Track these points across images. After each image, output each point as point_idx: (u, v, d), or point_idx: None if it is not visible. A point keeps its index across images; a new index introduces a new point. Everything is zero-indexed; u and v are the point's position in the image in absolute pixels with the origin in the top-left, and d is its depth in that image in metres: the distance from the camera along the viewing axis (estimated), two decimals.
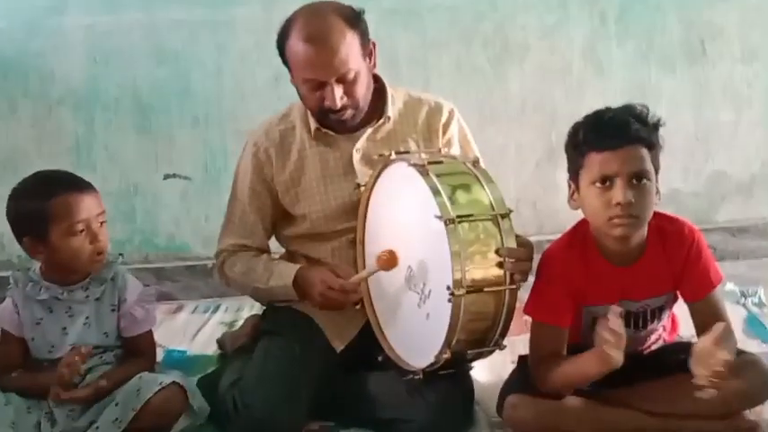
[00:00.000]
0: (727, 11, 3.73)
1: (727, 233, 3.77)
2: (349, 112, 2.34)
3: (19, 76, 3.68)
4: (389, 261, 2.20)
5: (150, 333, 2.39)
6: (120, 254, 2.44)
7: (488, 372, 2.50)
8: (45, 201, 2.20)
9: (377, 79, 2.45)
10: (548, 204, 3.61)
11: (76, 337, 2.28)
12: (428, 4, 3.66)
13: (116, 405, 2.18)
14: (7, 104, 3.70)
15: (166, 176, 3.75)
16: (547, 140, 3.69)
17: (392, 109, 2.44)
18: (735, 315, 2.75)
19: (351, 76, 2.28)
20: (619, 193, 2.01)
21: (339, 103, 2.29)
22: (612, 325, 1.93)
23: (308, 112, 2.42)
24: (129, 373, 2.25)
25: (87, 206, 2.22)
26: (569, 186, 2.16)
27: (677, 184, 3.73)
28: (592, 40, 3.71)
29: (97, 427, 2.16)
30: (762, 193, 3.85)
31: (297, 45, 2.28)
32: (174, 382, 2.21)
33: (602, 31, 3.71)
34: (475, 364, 2.33)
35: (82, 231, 2.21)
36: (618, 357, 1.95)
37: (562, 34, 3.70)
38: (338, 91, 2.28)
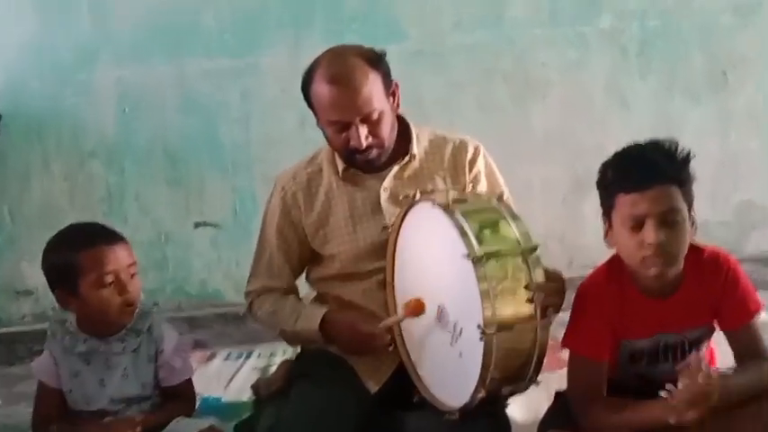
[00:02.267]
0: (747, 40, 3.74)
1: (757, 263, 3.74)
2: (375, 152, 2.36)
3: (51, 130, 3.79)
4: (416, 308, 2.21)
5: (190, 381, 2.41)
6: (156, 303, 2.46)
7: (525, 409, 2.48)
8: (74, 253, 2.22)
9: (401, 119, 2.47)
10: (576, 239, 3.62)
11: (114, 389, 2.30)
12: (450, 44, 3.71)
13: None
14: (41, 159, 3.78)
15: (197, 224, 3.80)
16: (572, 175, 3.70)
17: (418, 147, 2.46)
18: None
19: (375, 116, 2.31)
20: (651, 234, 1.99)
21: (364, 143, 2.32)
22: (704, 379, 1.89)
23: (336, 154, 2.45)
24: (169, 417, 2.27)
25: (116, 258, 2.23)
26: (604, 224, 2.14)
27: (705, 215, 3.66)
28: (614, 74, 3.74)
29: None
30: None
31: (321, 87, 2.31)
32: (211, 426, 2.22)
33: (625, 65, 3.74)
34: (511, 401, 2.32)
35: (111, 283, 2.22)
36: (692, 416, 1.90)
37: (584, 69, 3.73)
38: (363, 131, 2.31)
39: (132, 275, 2.26)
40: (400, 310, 2.25)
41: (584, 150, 3.64)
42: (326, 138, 2.41)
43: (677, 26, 3.75)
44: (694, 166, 2.10)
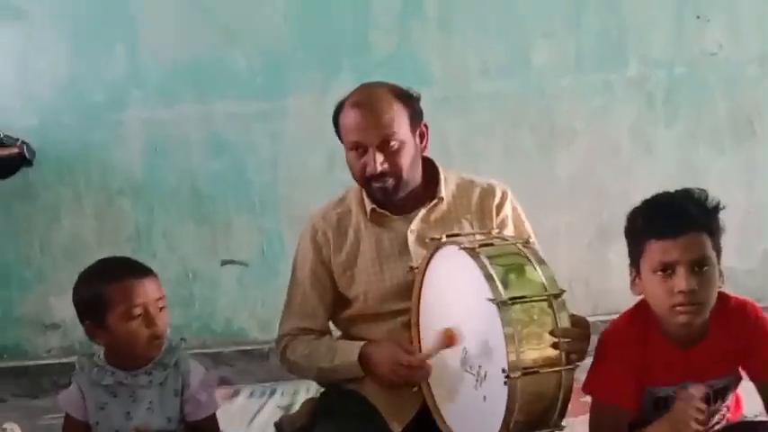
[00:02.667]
0: None
1: None
2: (390, 182, 2.38)
3: (81, 168, 3.85)
4: (451, 338, 2.21)
5: (214, 416, 2.41)
6: (183, 338, 2.47)
7: None
8: (104, 285, 2.24)
9: (430, 162, 2.51)
10: (600, 284, 3.62)
11: (140, 423, 2.31)
12: (476, 91, 3.75)
13: None
14: (72, 196, 3.84)
15: (224, 263, 3.84)
16: (597, 221, 3.71)
17: (445, 190, 2.49)
18: None
19: (394, 144, 2.35)
20: (681, 281, 1.99)
21: (378, 168, 2.35)
22: (697, 403, 1.92)
23: (363, 194, 2.48)
24: None
25: (144, 291, 2.24)
26: (631, 272, 2.14)
27: (731, 263, 3.67)
28: (639, 122, 3.76)
29: None
30: None
31: (346, 112, 2.40)
32: None
33: (650, 113, 3.76)
34: None
35: (139, 316, 2.23)
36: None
37: (609, 116, 3.75)
38: (379, 157, 2.35)
39: (161, 309, 2.28)
40: (435, 340, 2.25)
41: (609, 197, 3.65)
42: (349, 167, 2.45)
43: (703, 75, 3.77)
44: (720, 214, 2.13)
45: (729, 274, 3.67)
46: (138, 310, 2.23)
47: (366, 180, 2.41)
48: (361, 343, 2.41)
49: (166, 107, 3.81)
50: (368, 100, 2.38)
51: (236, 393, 3.58)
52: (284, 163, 3.81)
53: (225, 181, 3.82)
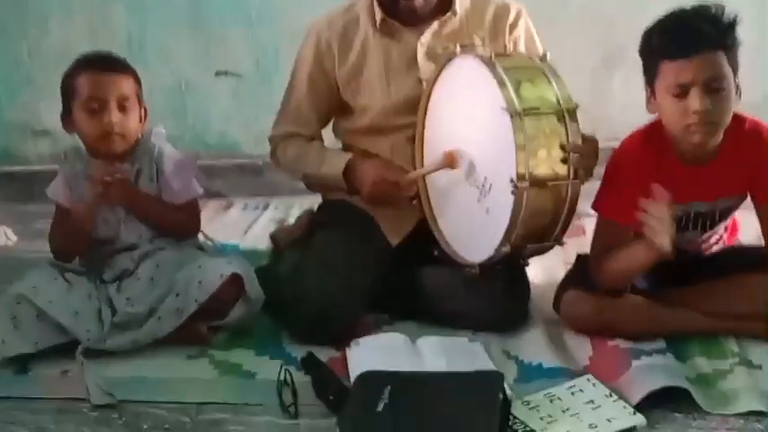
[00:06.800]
0: None
1: None
2: None
3: None
4: (448, 161, 2.20)
5: (194, 203, 2.40)
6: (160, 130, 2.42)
7: (541, 273, 2.51)
8: (73, 75, 2.28)
9: None
10: (602, 111, 3.55)
11: (125, 211, 2.31)
12: None
13: (177, 296, 2.20)
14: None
15: (218, 73, 3.75)
16: (604, 48, 3.63)
17: (460, 5, 2.40)
18: None
19: None
20: (696, 101, 1.97)
21: None
22: (659, 208, 1.93)
23: (374, 3, 2.39)
24: (163, 211, 2.34)
25: (105, 86, 2.25)
26: (646, 91, 2.12)
27: None
28: None
29: (159, 318, 2.20)
30: None
31: None
32: (234, 273, 2.22)
33: None
34: (529, 263, 2.33)
35: (93, 109, 2.24)
36: (665, 243, 1.95)
37: None
38: None
39: (125, 108, 2.26)
40: (433, 161, 2.23)
41: (617, 23, 3.54)
42: None
43: None
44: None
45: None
46: (93, 104, 2.24)
47: None
48: (349, 155, 2.39)
49: None
50: None
51: (229, 206, 3.57)
52: None
53: None
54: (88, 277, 2.31)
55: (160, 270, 2.28)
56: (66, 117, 2.32)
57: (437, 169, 2.25)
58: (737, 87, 2.05)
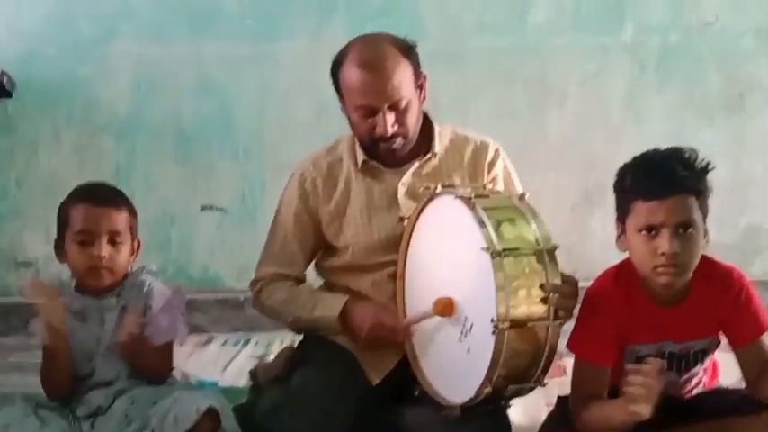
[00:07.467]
0: (766, 64, 3.74)
1: (762, 287, 3.72)
2: (399, 141, 2.36)
3: (64, 102, 3.78)
4: (447, 308, 2.17)
5: (168, 344, 2.34)
6: (152, 266, 2.42)
7: (524, 414, 2.46)
8: (67, 205, 2.29)
9: (424, 116, 2.47)
10: (582, 249, 3.60)
11: (106, 348, 2.28)
12: (470, 46, 3.70)
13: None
14: (52, 130, 3.77)
15: (203, 207, 3.79)
16: (583, 185, 3.70)
17: (439, 145, 2.45)
18: None
19: (403, 104, 2.31)
20: (665, 243, 1.99)
21: (390, 131, 2.31)
22: (647, 374, 1.91)
23: (356, 145, 2.44)
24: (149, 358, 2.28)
25: (97, 219, 2.24)
26: (617, 228, 2.14)
27: (712, 236, 3.70)
28: (632, 88, 3.74)
29: None
30: None
31: (351, 71, 2.31)
32: (210, 407, 2.18)
33: (642, 80, 3.74)
34: (512, 403, 2.31)
35: (82, 243, 2.23)
36: (644, 412, 1.91)
37: (602, 80, 3.73)
38: (390, 118, 2.30)
39: (116, 243, 2.26)
40: (430, 307, 2.22)
41: (597, 162, 3.63)
42: (351, 124, 2.40)
43: (697, 45, 3.75)
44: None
45: (710, 247, 3.73)
46: (82, 237, 2.24)
47: (373, 141, 2.36)
48: (345, 298, 2.38)
49: (155, 44, 3.73)
50: (375, 60, 2.30)
51: (209, 341, 3.55)
52: (272, 110, 3.75)
53: (210, 124, 3.75)
54: (61, 413, 2.25)
55: (135, 406, 2.23)
56: (59, 246, 2.32)
57: (434, 316, 2.24)
58: (706, 232, 2.07)
